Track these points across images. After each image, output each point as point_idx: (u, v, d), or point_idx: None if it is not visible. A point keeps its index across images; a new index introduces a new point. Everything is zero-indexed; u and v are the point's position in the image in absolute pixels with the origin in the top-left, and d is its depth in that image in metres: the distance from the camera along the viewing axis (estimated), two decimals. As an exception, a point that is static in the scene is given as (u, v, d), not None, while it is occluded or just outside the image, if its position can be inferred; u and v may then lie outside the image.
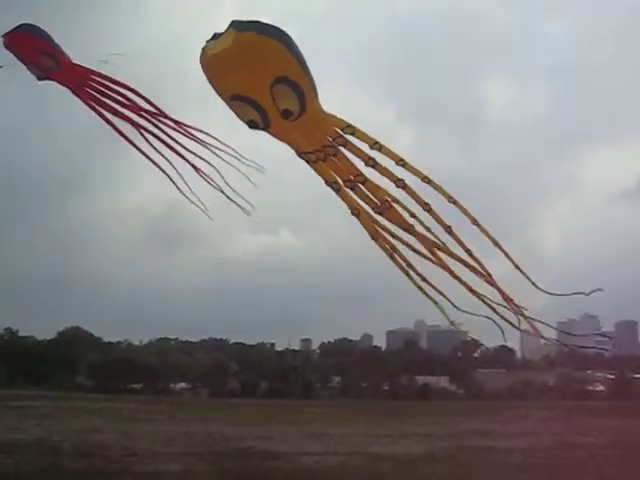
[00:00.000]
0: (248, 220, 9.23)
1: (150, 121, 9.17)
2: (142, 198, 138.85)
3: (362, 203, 7.21)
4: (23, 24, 9.33)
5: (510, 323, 7.14)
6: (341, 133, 7.05)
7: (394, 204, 7.12)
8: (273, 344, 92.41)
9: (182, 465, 17.44)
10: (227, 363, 76.46)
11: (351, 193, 7.21)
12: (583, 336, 9.62)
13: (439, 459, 19.37)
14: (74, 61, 9.62)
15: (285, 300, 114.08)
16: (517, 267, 7.02)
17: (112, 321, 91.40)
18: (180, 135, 9.08)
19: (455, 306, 7.12)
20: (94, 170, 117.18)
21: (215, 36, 6.55)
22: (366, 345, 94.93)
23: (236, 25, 6.47)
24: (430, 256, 7.14)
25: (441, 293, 7.13)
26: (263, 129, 6.99)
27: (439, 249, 7.12)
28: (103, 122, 9.41)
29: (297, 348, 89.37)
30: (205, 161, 8.95)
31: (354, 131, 7.03)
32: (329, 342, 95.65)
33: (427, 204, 7.03)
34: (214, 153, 8.81)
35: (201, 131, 9.00)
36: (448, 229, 7.03)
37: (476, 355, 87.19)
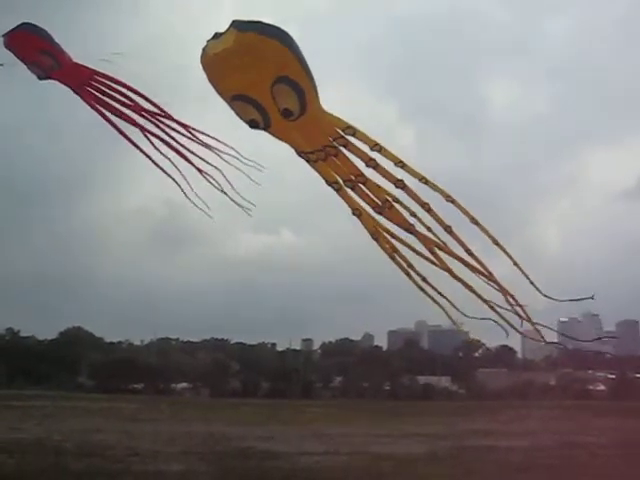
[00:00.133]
0: (249, 220, 9.25)
1: (151, 121, 9.18)
2: (144, 198, 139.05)
3: (363, 203, 7.22)
4: (23, 23, 9.32)
5: (512, 326, 7.13)
6: (342, 134, 7.06)
7: (395, 204, 7.13)
8: (274, 344, 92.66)
9: (183, 465, 17.46)
10: (228, 363, 76.54)
11: (352, 193, 7.21)
12: (587, 341, 9.59)
13: (440, 459, 19.37)
14: (75, 60, 9.62)
15: (286, 300, 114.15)
16: (517, 265, 7.01)
17: (113, 321, 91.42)
18: (181, 135, 9.09)
19: (455, 307, 7.12)
20: (95, 170, 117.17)
21: (216, 36, 6.55)
22: (367, 345, 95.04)
23: (237, 25, 6.47)
24: (431, 257, 7.14)
25: (441, 294, 7.13)
26: (264, 129, 6.99)
27: (440, 249, 7.12)
28: (105, 122, 9.42)
29: (298, 348, 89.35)
30: (205, 161, 8.96)
31: (354, 132, 7.03)
32: (330, 342, 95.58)
33: (426, 204, 7.03)
34: (215, 153, 8.82)
35: (202, 132, 9.01)
36: (448, 229, 7.04)
37: (477, 355, 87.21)
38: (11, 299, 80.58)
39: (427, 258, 7.15)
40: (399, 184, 7.03)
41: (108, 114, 9.38)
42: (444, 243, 7.10)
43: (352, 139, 7.05)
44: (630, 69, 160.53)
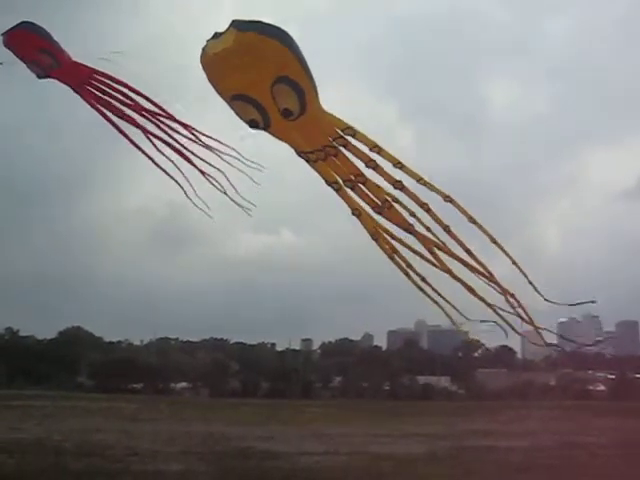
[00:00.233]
0: (249, 220, 9.26)
1: (152, 121, 9.17)
2: (144, 198, 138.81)
3: (362, 203, 7.22)
4: (22, 22, 9.31)
5: (512, 328, 7.12)
6: (341, 134, 7.05)
7: (394, 204, 7.12)
8: (274, 344, 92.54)
9: (183, 465, 17.44)
10: (228, 363, 76.45)
11: (351, 193, 7.21)
12: (587, 345, 9.58)
13: (440, 459, 19.36)
14: (74, 60, 9.61)
15: (286, 300, 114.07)
16: (516, 265, 7.01)
17: (113, 321, 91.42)
18: (182, 135, 9.09)
19: (455, 307, 7.11)
20: (95, 170, 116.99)
21: (216, 35, 6.55)
22: (367, 345, 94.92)
23: (237, 25, 6.47)
24: (430, 257, 7.13)
25: (440, 295, 7.12)
26: (264, 129, 6.98)
27: (439, 249, 7.11)
28: (105, 121, 9.41)
29: (298, 348, 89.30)
30: (206, 162, 8.96)
31: (354, 133, 7.03)
32: (330, 342, 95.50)
33: (425, 204, 7.03)
34: (215, 153, 8.82)
35: (203, 133, 9.00)
36: (447, 229, 7.04)
37: (477, 355, 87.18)
38: (11, 299, 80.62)
39: (426, 258, 7.15)
40: (397, 185, 7.03)
41: (108, 113, 9.38)
42: (443, 243, 7.10)
43: (352, 139, 7.05)
44: (630, 69, 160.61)
